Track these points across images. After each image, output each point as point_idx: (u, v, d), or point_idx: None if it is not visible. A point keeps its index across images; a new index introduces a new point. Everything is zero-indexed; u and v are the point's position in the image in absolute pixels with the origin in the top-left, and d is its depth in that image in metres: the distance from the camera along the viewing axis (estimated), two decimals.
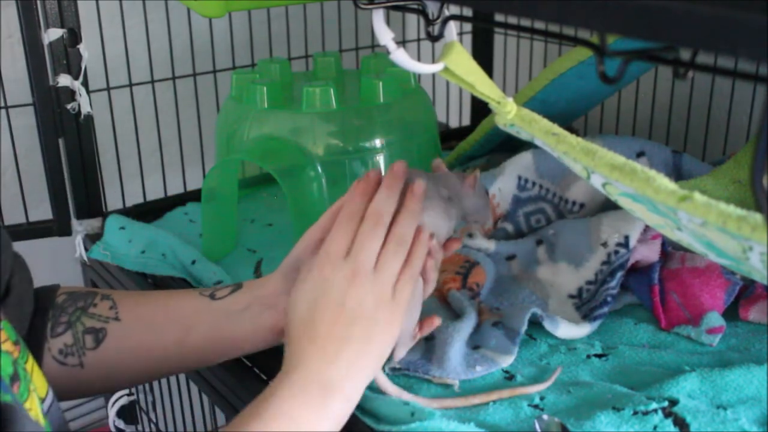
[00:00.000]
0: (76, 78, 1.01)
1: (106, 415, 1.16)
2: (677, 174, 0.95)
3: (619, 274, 0.81)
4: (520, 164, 0.94)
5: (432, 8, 0.59)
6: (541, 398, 0.69)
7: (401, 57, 0.58)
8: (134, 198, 1.13)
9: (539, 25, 0.50)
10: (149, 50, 1.11)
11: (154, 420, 1.17)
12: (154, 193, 1.16)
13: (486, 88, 0.62)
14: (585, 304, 0.82)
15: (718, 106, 1.14)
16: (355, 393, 0.61)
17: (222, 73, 1.17)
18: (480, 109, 1.39)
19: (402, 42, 1.42)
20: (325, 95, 0.94)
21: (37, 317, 0.68)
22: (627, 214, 0.81)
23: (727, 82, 1.10)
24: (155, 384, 1.15)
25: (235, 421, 0.58)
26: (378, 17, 0.57)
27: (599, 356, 0.76)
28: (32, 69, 0.99)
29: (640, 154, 0.95)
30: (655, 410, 0.64)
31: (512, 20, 0.54)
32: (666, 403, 0.65)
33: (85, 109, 1.03)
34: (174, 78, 1.14)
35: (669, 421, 0.64)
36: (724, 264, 0.58)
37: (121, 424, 1.15)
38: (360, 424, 0.66)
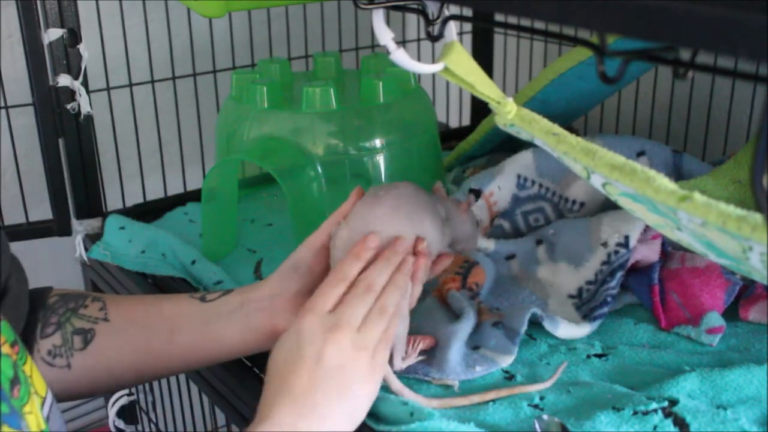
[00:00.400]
0: (76, 78, 1.01)
1: (106, 415, 1.16)
2: (677, 174, 0.95)
3: (619, 274, 0.81)
4: (520, 163, 0.94)
5: (432, 8, 0.59)
6: (541, 398, 0.69)
7: (401, 57, 0.58)
8: (134, 198, 1.13)
9: (539, 25, 0.50)
10: (149, 50, 1.11)
11: (154, 420, 1.17)
12: (154, 193, 1.16)
13: (486, 88, 0.62)
14: (585, 304, 0.82)
15: (718, 106, 1.14)
16: None
17: (222, 73, 1.17)
18: (480, 109, 1.39)
19: (402, 42, 1.42)
20: (325, 95, 0.94)
21: (28, 318, 0.68)
22: (627, 214, 0.81)
23: (727, 82, 1.10)
24: (155, 384, 1.15)
25: None
26: (378, 17, 0.57)
27: (599, 356, 0.76)
28: (32, 69, 0.99)
29: (640, 154, 0.95)
30: (655, 410, 0.64)
31: (512, 20, 0.54)
32: (666, 403, 0.65)
33: (85, 109, 1.03)
34: (174, 78, 1.14)
35: (669, 421, 0.64)
36: (724, 264, 0.58)
37: (121, 424, 1.15)
38: (360, 424, 0.66)
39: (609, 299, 0.80)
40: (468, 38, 1.41)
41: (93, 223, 1.07)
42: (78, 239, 1.06)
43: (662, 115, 1.19)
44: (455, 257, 0.87)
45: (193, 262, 0.94)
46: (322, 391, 0.59)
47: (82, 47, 1.01)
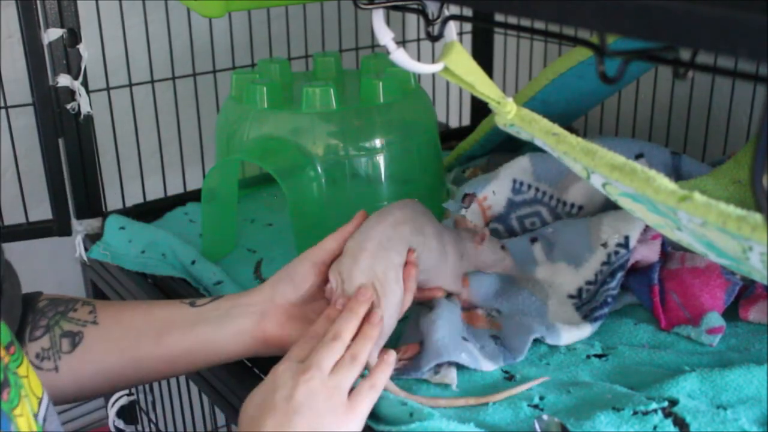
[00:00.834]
0: (75, 78, 1.01)
1: (106, 415, 1.16)
2: (676, 175, 0.95)
3: (619, 275, 0.81)
4: (516, 168, 0.93)
5: (432, 8, 0.59)
6: (541, 398, 0.69)
7: (401, 57, 0.58)
8: (134, 198, 1.13)
9: (539, 25, 0.50)
10: (149, 50, 1.11)
11: (154, 420, 1.17)
12: (154, 193, 1.16)
13: (486, 88, 0.62)
14: (585, 305, 0.82)
15: (718, 106, 1.14)
16: None
17: (222, 73, 1.17)
18: (480, 109, 1.39)
19: (402, 42, 1.42)
20: (325, 95, 0.94)
21: (19, 321, 0.68)
22: (627, 214, 0.81)
23: (727, 82, 1.10)
24: (155, 384, 1.15)
25: None
26: (378, 17, 0.57)
27: (599, 356, 0.76)
28: (32, 69, 0.99)
29: (638, 156, 0.95)
30: (655, 410, 0.64)
31: (512, 20, 0.54)
32: (666, 403, 0.65)
33: (85, 109, 1.03)
34: (174, 78, 1.14)
35: (669, 421, 0.64)
36: (724, 264, 0.58)
37: (120, 424, 1.15)
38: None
39: (609, 300, 0.80)
40: (468, 38, 1.41)
41: (93, 223, 1.07)
42: (78, 239, 1.06)
43: (662, 116, 1.19)
44: None
45: (193, 262, 0.94)
46: (293, 428, 0.60)
47: (82, 47, 1.01)
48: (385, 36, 0.57)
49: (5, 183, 1.23)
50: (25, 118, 1.06)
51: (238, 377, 0.77)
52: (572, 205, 0.93)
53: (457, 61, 0.60)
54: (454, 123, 1.48)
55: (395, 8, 0.60)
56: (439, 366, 0.73)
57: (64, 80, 1.01)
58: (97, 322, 0.70)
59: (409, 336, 0.77)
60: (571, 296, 0.83)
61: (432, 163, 1.03)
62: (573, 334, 0.78)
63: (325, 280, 0.72)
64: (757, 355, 0.74)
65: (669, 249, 0.85)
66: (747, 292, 0.81)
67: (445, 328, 0.74)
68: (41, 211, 1.09)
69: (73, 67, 1.01)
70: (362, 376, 0.65)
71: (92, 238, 1.05)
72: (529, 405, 0.68)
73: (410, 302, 0.73)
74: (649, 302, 0.81)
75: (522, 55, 1.36)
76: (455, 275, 0.79)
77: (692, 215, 0.49)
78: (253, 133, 0.96)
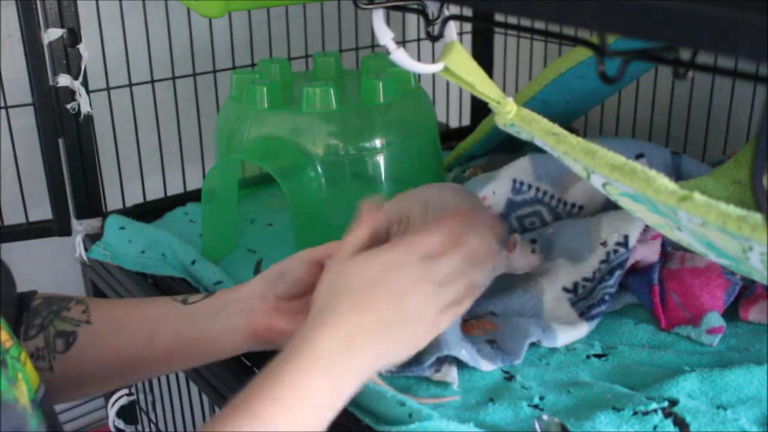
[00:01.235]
0: (75, 78, 1.01)
1: (106, 415, 1.16)
2: (677, 175, 0.95)
3: (618, 273, 0.81)
4: (516, 168, 0.93)
5: (432, 8, 0.59)
6: (541, 398, 0.69)
7: (401, 57, 0.58)
8: (134, 198, 1.13)
9: (539, 25, 0.50)
10: (149, 50, 1.11)
11: (154, 420, 1.17)
12: (154, 193, 1.16)
13: (486, 88, 0.62)
14: (581, 300, 0.82)
15: (718, 106, 1.14)
16: (354, 386, 0.60)
17: (222, 73, 1.17)
18: (480, 109, 1.39)
19: (402, 42, 1.42)
20: (325, 95, 0.94)
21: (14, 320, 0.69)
22: (627, 214, 0.81)
23: (727, 82, 1.10)
24: (155, 384, 1.16)
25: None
26: (378, 17, 0.57)
27: (599, 356, 0.76)
28: (32, 69, 0.99)
29: (639, 156, 0.95)
30: (655, 410, 0.64)
31: (512, 20, 0.54)
32: (666, 404, 0.65)
33: (85, 109, 1.03)
34: (174, 78, 1.14)
35: (669, 422, 0.64)
36: (724, 264, 0.58)
37: (120, 424, 1.15)
38: (360, 424, 0.66)
39: (607, 298, 0.80)
40: (468, 38, 1.41)
41: (93, 223, 1.07)
42: (78, 239, 1.06)
43: (662, 116, 1.19)
44: None
45: (193, 262, 0.94)
46: (388, 332, 0.60)
47: (81, 47, 1.01)
48: (385, 36, 0.57)
49: (5, 183, 1.23)
50: (25, 118, 1.06)
51: (238, 377, 0.77)
52: (573, 205, 0.93)
53: (457, 61, 0.60)
54: (454, 123, 1.48)
55: (395, 8, 0.60)
56: (440, 364, 0.72)
57: (64, 80, 1.01)
58: (90, 322, 0.70)
59: None
60: (566, 289, 0.83)
61: (432, 163, 1.03)
62: (570, 334, 0.77)
63: (317, 280, 0.72)
64: (757, 355, 0.74)
65: (669, 249, 0.85)
66: (747, 292, 0.81)
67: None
68: (41, 211, 1.09)
69: (73, 67, 1.01)
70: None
71: (92, 238, 1.05)
72: (529, 405, 0.68)
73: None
74: (649, 302, 0.81)
75: (522, 55, 1.36)
76: (484, 282, 0.78)
77: (692, 215, 0.49)
78: (253, 133, 0.96)
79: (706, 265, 0.81)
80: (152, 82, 1.12)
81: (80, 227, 1.07)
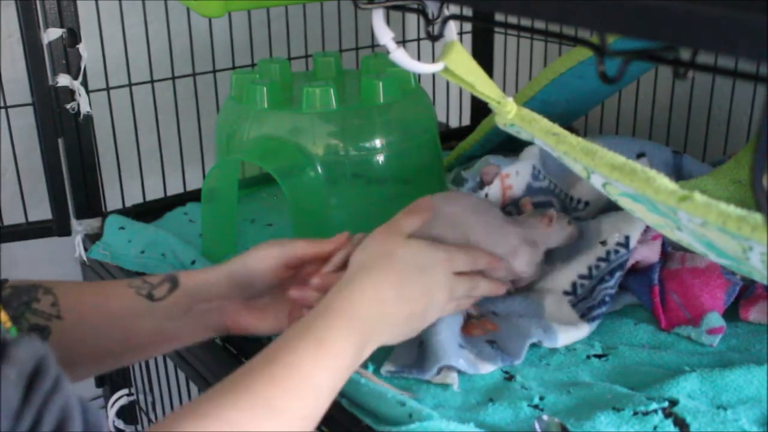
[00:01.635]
0: (75, 78, 1.01)
1: (105, 415, 1.16)
2: (677, 175, 0.95)
3: (618, 274, 0.81)
4: (533, 153, 0.94)
5: (432, 8, 0.59)
6: (541, 398, 0.69)
7: (401, 57, 0.58)
8: (134, 198, 1.13)
9: (539, 25, 0.50)
10: (149, 50, 1.10)
11: (154, 420, 1.17)
12: (154, 193, 1.16)
13: (486, 88, 0.62)
14: (581, 301, 0.81)
15: (718, 106, 1.14)
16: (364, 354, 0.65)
17: (222, 73, 1.17)
18: (480, 109, 1.39)
19: (402, 42, 1.42)
20: (325, 95, 0.93)
21: None
22: (628, 214, 0.81)
23: (727, 82, 1.10)
24: (155, 384, 1.15)
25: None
26: (378, 17, 0.57)
27: (599, 357, 0.76)
28: (32, 69, 0.99)
29: (640, 155, 0.95)
30: (655, 410, 0.64)
31: (512, 20, 0.54)
32: (666, 404, 0.65)
33: (85, 109, 1.03)
34: (174, 78, 1.14)
35: (669, 422, 0.63)
36: (724, 264, 0.58)
37: (120, 424, 1.15)
38: (360, 424, 0.66)
39: (607, 299, 0.80)
40: (468, 38, 1.41)
41: (93, 223, 1.07)
42: (78, 239, 1.06)
43: (662, 115, 1.19)
44: None
45: (193, 262, 0.94)
46: (420, 315, 0.70)
47: (81, 47, 1.01)
48: (385, 36, 0.57)
49: (5, 183, 1.23)
50: (25, 118, 1.06)
51: None
52: (579, 201, 0.93)
53: (457, 60, 0.60)
54: (454, 123, 1.48)
55: (395, 8, 0.60)
56: (440, 367, 0.73)
57: (63, 80, 1.01)
58: (61, 317, 0.70)
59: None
60: (566, 292, 0.83)
61: (432, 163, 1.03)
62: (570, 335, 0.77)
63: (285, 279, 0.75)
64: (758, 355, 0.74)
65: (669, 249, 0.85)
66: (747, 292, 0.81)
67: (446, 332, 0.74)
68: (41, 211, 1.09)
69: (72, 67, 1.01)
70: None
71: (92, 238, 1.05)
72: (529, 405, 0.68)
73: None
74: (650, 302, 0.81)
75: (522, 55, 1.36)
76: (532, 263, 0.81)
77: (692, 215, 0.49)
78: (253, 133, 0.96)
79: (706, 266, 0.81)
80: (152, 82, 1.12)
81: (80, 227, 1.07)
